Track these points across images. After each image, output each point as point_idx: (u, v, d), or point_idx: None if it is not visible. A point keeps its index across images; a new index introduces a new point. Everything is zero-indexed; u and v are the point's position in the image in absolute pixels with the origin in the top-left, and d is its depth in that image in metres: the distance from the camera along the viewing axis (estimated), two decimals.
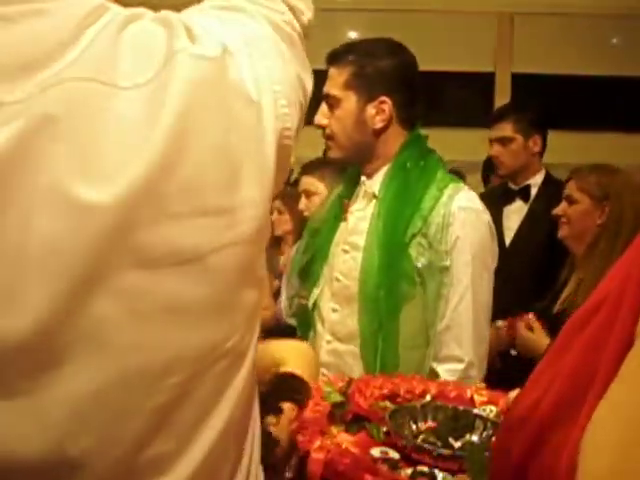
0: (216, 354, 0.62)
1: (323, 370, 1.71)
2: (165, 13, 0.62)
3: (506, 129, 2.82)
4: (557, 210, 2.28)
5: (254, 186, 0.63)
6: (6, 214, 0.50)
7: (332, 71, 1.77)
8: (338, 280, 1.77)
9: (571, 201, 2.26)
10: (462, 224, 1.68)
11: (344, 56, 1.77)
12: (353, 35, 6.25)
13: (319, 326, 1.80)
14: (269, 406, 1.00)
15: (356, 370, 1.68)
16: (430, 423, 1.26)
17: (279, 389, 1.05)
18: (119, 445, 0.57)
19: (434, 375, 1.60)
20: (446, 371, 1.65)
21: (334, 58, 1.79)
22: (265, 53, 0.67)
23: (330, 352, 1.75)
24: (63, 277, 0.52)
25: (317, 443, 1.08)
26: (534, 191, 2.81)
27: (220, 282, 0.61)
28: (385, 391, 1.33)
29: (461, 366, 1.66)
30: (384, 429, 1.18)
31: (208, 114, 0.58)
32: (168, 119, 0.55)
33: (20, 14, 0.53)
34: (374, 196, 1.78)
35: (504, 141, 2.82)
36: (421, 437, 1.20)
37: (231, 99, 0.61)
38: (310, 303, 1.83)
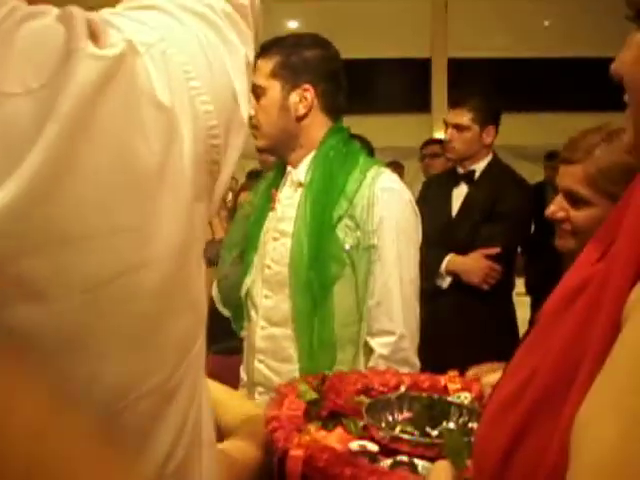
0: (134, 396, 0.55)
1: (259, 356, 1.78)
2: (70, 9, 0.56)
3: (464, 117, 2.88)
4: (554, 212, 1.59)
5: (168, 199, 0.56)
6: None
7: (259, 62, 1.81)
8: (269, 267, 1.81)
9: (576, 200, 1.56)
10: (386, 204, 1.74)
11: (272, 47, 1.81)
12: (293, 25, 6.27)
13: (252, 313, 1.84)
14: None
15: (292, 353, 1.74)
16: (406, 414, 1.26)
17: None
18: None
19: (369, 350, 1.70)
20: (380, 345, 1.71)
21: (263, 50, 1.82)
22: (181, 48, 0.61)
23: (265, 337, 1.79)
24: None
25: (295, 441, 1.07)
26: (477, 175, 2.92)
27: (133, 311, 0.54)
28: (359, 386, 1.34)
29: (393, 338, 1.71)
30: (361, 423, 1.19)
31: (106, 119, 0.53)
32: (54, 127, 0.49)
33: None
34: (300, 184, 1.82)
35: (459, 128, 2.88)
36: (398, 428, 1.20)
37: (135, 101, 0.55)
38: (243, 292, 1.87)
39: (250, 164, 3.45)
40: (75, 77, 0.51)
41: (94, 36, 0.54)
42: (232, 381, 1.84)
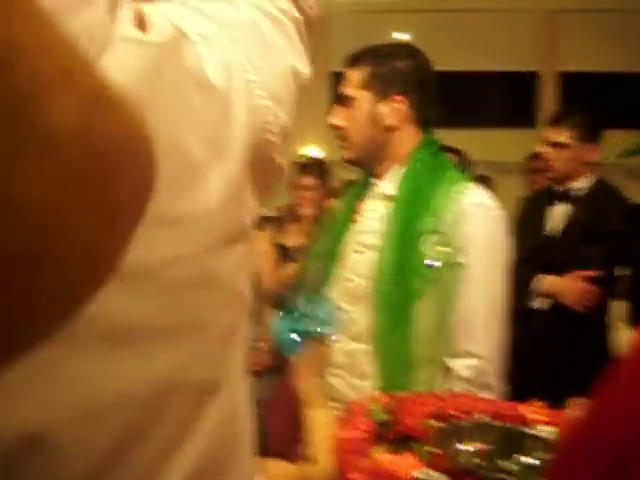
0: (174, 388, 0.54)
1: (336, 371, 1.75)
2: None
3: (562, 135, 2.77)
4: None
5: (216, 189, 0.55)
6: None
7: (349, 72, 1.79)
8: (350, 280, 1.78)
9: None
10: (474, 220, 1.68)
11: (363, 57, 1.79)
12: (403, 37, 6.25)
13: None
14: None
15: (368, 369, 1.70)
16: (478, 443, 1.20)
17: None
18: None
19: (448, 371, 1.64)
20: (461, 367, 1.65)
21: (353, 60, 1.81)
22: (242, 42, 0.61)
23: (343, 352, 1.76)
24: None
25: (356, 464, 1.06)
26: (578, 193, 2.80)
27: (172, 302, 0.53)
28: (433, 408, 1.28)
29: (475, 362, 1.65)
30: (431, 449, 1.14)
31: (153, 106, 0.50)
32: None
33: None
34: (384, 196, 1.79)
35: (558, 146, 2.77)
36: (467, 458, 1.15)
37: (183, 88, 0.53)
38: None
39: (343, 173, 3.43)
40: (115, 64, 0.49)
41: (142, 24, 0.53)
42: None
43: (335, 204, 2.56)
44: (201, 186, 0.53)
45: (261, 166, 0.59)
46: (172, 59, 0.53)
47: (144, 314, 0.51)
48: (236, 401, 0.61)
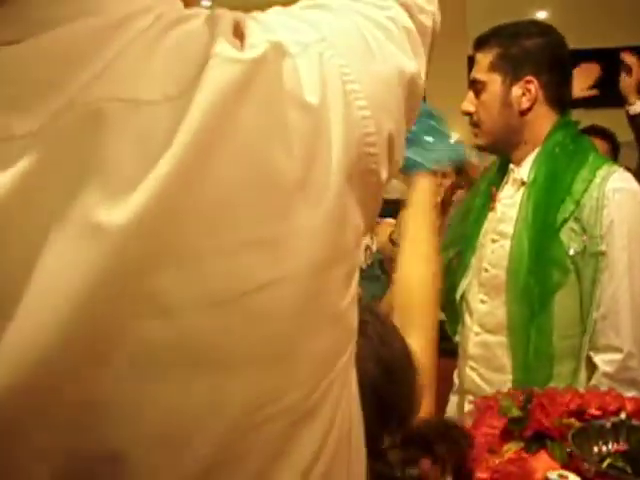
0: (264, 415, 0.52)
1: (472, 363, 1.72)
2: (220, 11, 0.55)
3: None
4: None
5: (308, 212, 0.52)
6: (7, 254, 0.46)
7: (478, 56, 1.74)
8: (487, 270, 1.74)
9: None
10: (617, 206, 1.59)
11: (490, 39, 1.73)
12: (542, 15, 5.98)
13: (467, 318, 1.78)
14: (407, 454, 0.86)
15: (506, 362, 1.65)
16: (621, 445, 1.14)
17: (425, 438, 0.90)
18: None
19: (590, 366, 1.57)
20: (604, 362, 1.57)
21: (480, 43, 1.75)
22: (342, 50, 0.58)
23: (479, 344, 1.72)
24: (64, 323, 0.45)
25: (484, 463, 1.02)
26: None
27: (264, 328, 0.51)
28: (572, 407, 1.23)
29: (619, 356, 1.56)
30: (568, 449, 1.10)
31: (242, 127, 0.50)
32: (185, 137, 0.47)
33: (42, 25, 0.49)
34: (522, 183, 1.72)
35: None
36: (608, 461, 1.09)
37: (277, 106, 0.52)
38: (458, 295, 1.82)
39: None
40: (209, 83, 0.49)
41: (239, 38, 0.52)
42: (446, 385, 1.80)
43: (469, 192, 2.48)
44: (295, 208, 0.51)
45: (363, 180, 0.57)
46: (266, 75, 0.51)
47: (234, 341, 0.50)
48: (337, 428, 0.59)
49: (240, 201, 0.49)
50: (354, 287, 0.59)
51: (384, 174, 0.60)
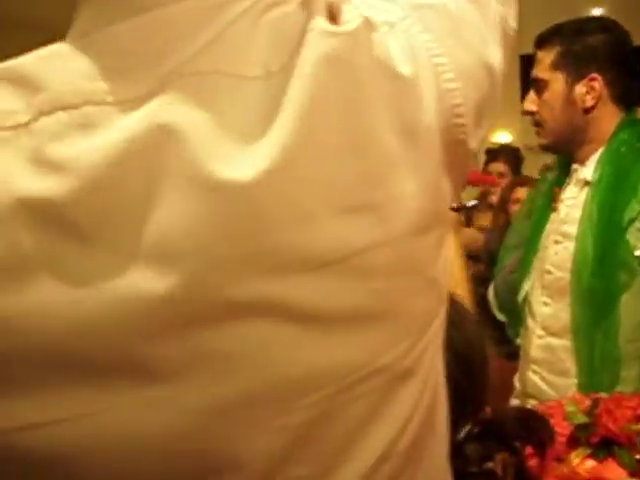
0: (365, 371, 0.54)
1: (534, 366, 1.69)
2: None
3: None
4: None
5: (408, 174, 0.54)
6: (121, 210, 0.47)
7: (540, 54, 1.72)
8: (550, 272, 1.70)
9: None
10: None
11: (551, 37, 1.70)
12: (597, 12, 5.83)
13: (530, 321, 1.74)
14: (484, 447, 0.85)
15: (570, 366, 1.62)
16: None
17: (502, 429, 0.88)
18: (247, 466, 0.52)
19: None
20: None
21: (542, 41, 1.73)
22: (427, 25, 0.59)
23: (542, 347, 1.69)
24: (186, 271, 0.46)
25: (551, 472, 1.02)
26: None
27: (367, 289, 0.53)
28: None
29: None
30: (637, 456, 1.09)
31: (342, 98, 0.51)
32: (288, 110, 0.49)
33: (156, 2, 0.51)
34: (586, 183, 1.68)
35: None
36: None
37: (371, 78, 0.53)
38: (520, 297, 1.78)
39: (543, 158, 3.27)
40: (308, 56, 0.50)
41: (332, 16, 0.54)
42: (505, 388, 1.78)
43: (529, 192, 2.45)
44: (395, 174, 0.53)
45: (453, 150, 0.59)
46: (360, 47, 0.53)
47: (338, 300, 0.52)
48: (429, 391, 0.60)
49: (345, 168, 0.51)
50: (444, 254, 0.61)
51: (472, 144, 0.61)
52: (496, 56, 0.64)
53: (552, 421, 1.12)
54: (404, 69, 0.55)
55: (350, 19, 0.54)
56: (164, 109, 0.47)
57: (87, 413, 0.46)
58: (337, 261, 0.51)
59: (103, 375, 0.47)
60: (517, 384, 1.79)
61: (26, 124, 0.46)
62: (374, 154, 0.53)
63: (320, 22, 0.52)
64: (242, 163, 0.47)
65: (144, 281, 0.45)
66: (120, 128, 0.46)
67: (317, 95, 0.50)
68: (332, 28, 0.52)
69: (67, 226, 0.44)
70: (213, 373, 0.49)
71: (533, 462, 0.98)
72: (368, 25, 0.54)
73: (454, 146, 0.59)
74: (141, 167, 0.46)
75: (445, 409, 0.66)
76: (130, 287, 0.45)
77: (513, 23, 0.68)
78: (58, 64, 0.48)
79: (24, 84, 0.47)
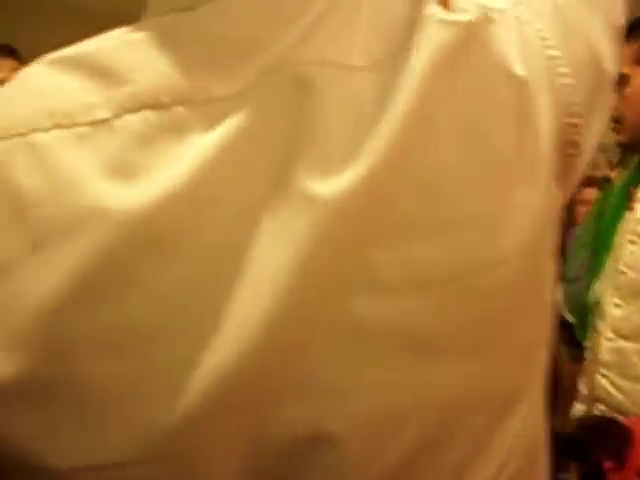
0: (470, 401, 0.50)
1: (603, 370, 1.64)
2: None
3: None
4: None
5: (522, 188, 0.49)
6: (216, 222, 0.42)
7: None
8: (623, 273, 1.65)
9: None
10: None
11: (634, 29, 1.63)
12: None
13: (599, 322, 1.69)
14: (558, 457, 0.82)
15: None
16: None
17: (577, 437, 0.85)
18: None
19: None
20: None
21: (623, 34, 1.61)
22: (538, 13, 0.54)
23: (612, 350, 1.64)
24: (276, 295, 0.41)
25: None
26: None
27: (474, 312, 0.48)
28: None
29: None
30: None
31: (456, 95, 0.47)
32: (399, 104, 0.44)
33: None
34: None
35: None
36: None
37: (489, 75, 0.49)
38: (590, 298, 1.74)
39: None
40: (422, 47, 0.45)
41: (445, 4, 0.49)
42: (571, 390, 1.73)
43: (598, 192, 2.38)
44: (515, 182, 0.49)
45: (563, 152, 0.54)
46: (478, 41, 0.49)
47: (445, 324, 0.47)
48: (535, 415, 0.57)
49: (460, 174, 0.47)
50: (553, 273, 0.56)
51: (585, 146, 0.56)
52: (607, 52, 0.58)
53: (636, 436, 1.08)
54: (518, 67, 0.50)
55: (466, 7, 0.49)
56: (266, 109, 0.42)
57: None
58: (445, 279, 0.46)
59: None
60: (583, 389, 1.74)
61: (106, 121, 0.40)
62: (489, 160, 0.48)
63: (434, 9, 0.47)
64: (339, 175, 0.42)
65: (242, 307, 0.41)
66: (215, 135, 0.41)
67: (432, 93, 0.45)
68: (448, 17, 0.47)
69: (146, 243, 0.39)
70: (326, 404, 0.44)
71: (615, 477, 0.94)
72: (484, 15, 0.50)
73: (566, 148, 0.54)
74: (236, 180, 0.41)
75: (545, 432, 0.61)
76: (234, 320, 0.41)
77: (621, 17, 0.62)
78: (139, 53, 0.42)
79: (101, 74, 0.41)
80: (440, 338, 0.47)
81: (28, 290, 0.38)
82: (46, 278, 0.38)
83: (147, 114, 0.40)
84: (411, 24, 0.46)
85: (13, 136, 0.40)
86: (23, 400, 0.39)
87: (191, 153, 0.40)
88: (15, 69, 1.99)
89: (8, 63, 2.09)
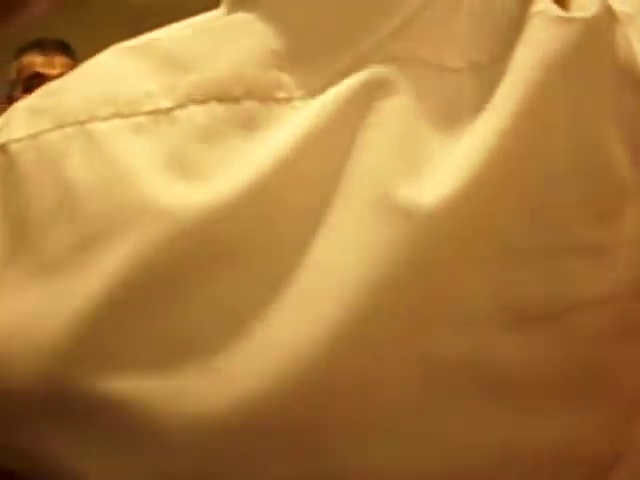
0: (565, 460, 0.43)
1: None
2: None
3: None
4: None
5: (635, 211, 0.43)
6: (280, 226, 0.38)
7: None
8: None
9: None
10: None
11: None
12: None
13: None
14: None
15: None
16: None
17: None
18: None
19: None
20: None
21: None
22: None
23: None
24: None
25: None
26: None
27: (576, 355, 0.42)
28: None
29: None
30: None
31: (569, 102, 0.41)
32: (501, 110, 0.39)
33: None
34: None
35: None
36: None
37: (610, 81, 0.43)
38: None
39: None
40: (533, 48, 0.41)
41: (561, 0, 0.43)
42: None
43: None
44: (628, 208, 0.43)
45: None
46: (599, 42, 0.43)
47: (544, 364, 0.42)
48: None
49: (568, 193, 0.41)
50: None
51: None
52: None
53: None
54: None
55: (586, 4, 0.43)
56: (343, 111, 0.38)
57: None
58: (540, 316, 0.41)
59: None
60: None
61: (168, 111, 0.38)
62: (607, 182, 0.43)
63: (547, 5, 0.42)
64: (428, 183, 0.38)
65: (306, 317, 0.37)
66: (291, 133, 0.38)
67: (539, 100, 0.41)
68: (563, 14, 0.42)
69: (202, 245, 0.36)
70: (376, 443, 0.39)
71: None
72: (609, 14, 0.44)
73: None
74: (314, 182, 0.38)
75: None
76: (291, 328, 0.37)
77: None
78: (209, 42, 0.40)
79: (165, 61, 0.39)
80: (532, 383, 0.41)
81: (71, 291, 0.36)
82: (91, 279, 0.36)
83: (214, 106, 0.38)
84: (519, 22, 0.42)
85: (71, 124, 0.38)
86: (55, 413, 0.37)
87: (262, 152, 0.37)
88: (68, 66, 2.00)
89: (60, 60, 2.09)
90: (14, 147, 0.40)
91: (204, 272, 0.36)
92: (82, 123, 0.38)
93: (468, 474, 0.40)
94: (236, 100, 0.38)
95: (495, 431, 0.40)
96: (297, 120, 0.38)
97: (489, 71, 0.41)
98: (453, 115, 0.40)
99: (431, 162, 0.38)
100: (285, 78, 0.39)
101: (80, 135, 0.38)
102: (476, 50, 0.41)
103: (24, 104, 0.43)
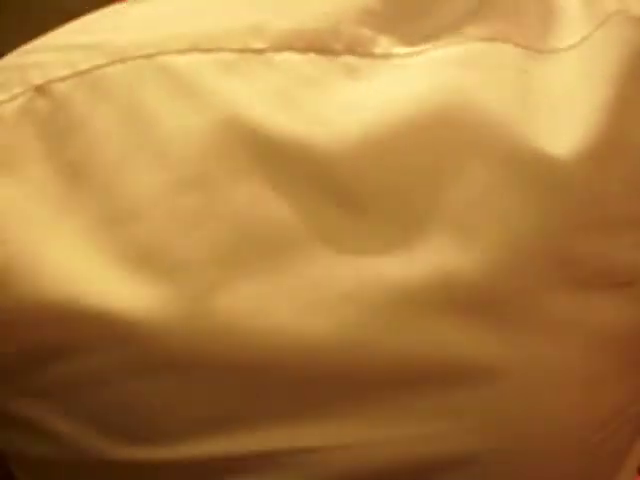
0: (618, 421, 0.45)
1: None
2: None
3: None
4: None
5: None
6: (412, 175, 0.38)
7: None
8: None
9: None
10: None
11: None
12: None
13: None
14: None
15: None
16: None
17: None
18: None
19: None
20: None
21: None
22: None
23: None
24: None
25: None
26: None
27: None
28: None
29: None
30: None
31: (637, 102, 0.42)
32: (603, 93, 0.40)
33: None
34: None
35: None
36: None
37: None
38: None
39: None
40: (614, 41, 0.41)
41: None
42: None
43: None
44: None
45: None
46: None
47: (623, 325, 0.43)
48: None
49: None
50: None
51: None
52: None
53: None
54: None
55: None
56: (462, 70, 0.39)
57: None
58: (632, 283, 0.42)
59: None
60: None
61: (261, 52, 0.36)
62: None
63: (624, 4, 0.42)
64: (555, 139, 0.38)
65: (444, 259, 0.37)
66: (399, 84, 0.38)
67: (630, 82, 0.40)
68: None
69: (335, 191, 0.36)
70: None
71: None
72: None
73: None
74: (429, 133, 0.38)
75: None
76: (432, 265, 0.37)
77: None
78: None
79: (245, 1, 0.38)
80: (627, 339, 0.43)
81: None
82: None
83: (314, 57, 0.37)
84: (599, 18, 0.42)
85: (133, 58, 0.35)
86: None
87: (374, 99, 0.37)
88: None
89: None
90: (59, 87, 0.36)
91: (341, 219, 0.37)
92: (149, 57, 0.35)
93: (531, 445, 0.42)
94: (337, 53, 0.37)
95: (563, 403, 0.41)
96: (403, 77, 0.38)
97: (574, 56, 0.41)
98: (558, 98, 0.40)
99: (553, 120, 0.39)
100: (381, 36, 0.38)
101: (149, 68, 0.35)
102: (559, 36, 0.42)
103: (44, 44, 0.39)
